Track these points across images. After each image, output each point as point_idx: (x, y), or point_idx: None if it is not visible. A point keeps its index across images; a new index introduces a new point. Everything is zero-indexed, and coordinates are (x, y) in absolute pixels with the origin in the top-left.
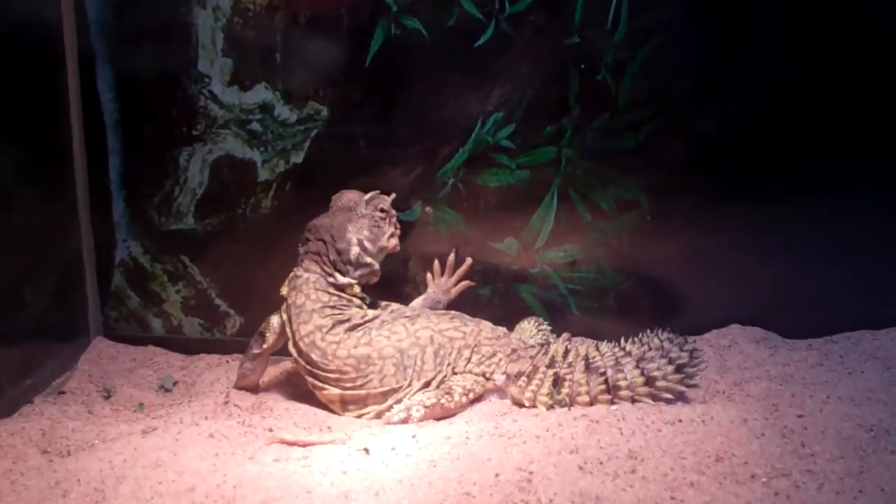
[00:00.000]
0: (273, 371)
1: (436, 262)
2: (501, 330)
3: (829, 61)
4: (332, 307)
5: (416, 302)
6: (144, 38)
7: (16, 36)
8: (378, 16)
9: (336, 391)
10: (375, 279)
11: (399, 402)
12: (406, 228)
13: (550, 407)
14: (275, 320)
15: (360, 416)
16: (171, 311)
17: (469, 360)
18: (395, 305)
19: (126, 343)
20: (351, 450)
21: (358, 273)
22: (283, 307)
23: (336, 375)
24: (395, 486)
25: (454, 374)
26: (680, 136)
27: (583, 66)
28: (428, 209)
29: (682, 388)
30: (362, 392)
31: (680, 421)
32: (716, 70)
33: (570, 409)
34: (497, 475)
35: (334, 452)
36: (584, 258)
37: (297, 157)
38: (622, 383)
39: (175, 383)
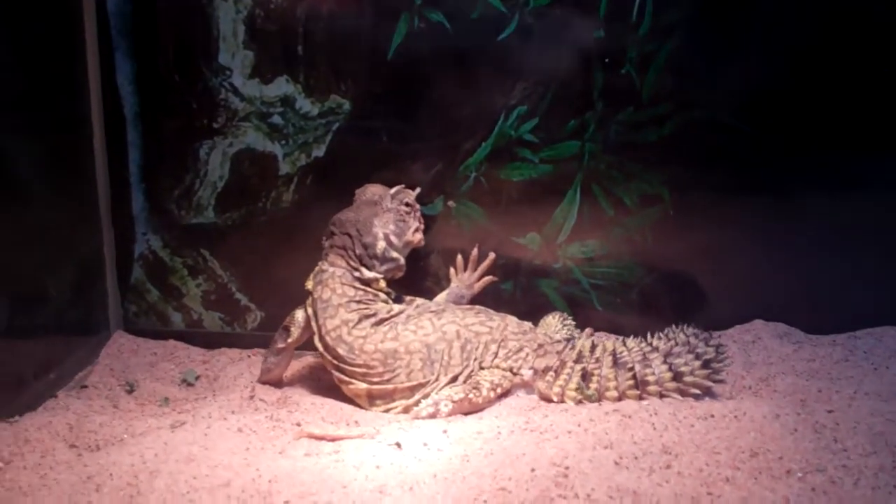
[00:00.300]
0: (296, 365)
1: (459, 257)
2: (527, 325)
3: (856, 57)
4: (359, 302)
5: (440, 297)
6: (165, 31)
7: (35, 29)
8: (401, 8)
9: (363, 386)
10: (401, 274)
11: (426, 396)
12: (428, 223)
13: (579, 402)
14: (299, 314)
15: (387, 411)
16: (192, 305)
17: (496, 354)
18: (419, 300)
19: (146, 337)
20: (382, 444)
21: (384, 268)
22: (309, 301)
23: (363, 370)
24: (429, 480)
25: (481, 368)
26: (703, 131)
27: (607, 61)
28: (450, 203)
29: (710, 384)
30: (389, 387)
31: (712, 416)
32: (740, 65)
33: (599, 404)
34: (533, 470)
35: (366, 447)
36: (606, 253)
37: (319, 151)
38: (650, 378)
39: (197, 377)
